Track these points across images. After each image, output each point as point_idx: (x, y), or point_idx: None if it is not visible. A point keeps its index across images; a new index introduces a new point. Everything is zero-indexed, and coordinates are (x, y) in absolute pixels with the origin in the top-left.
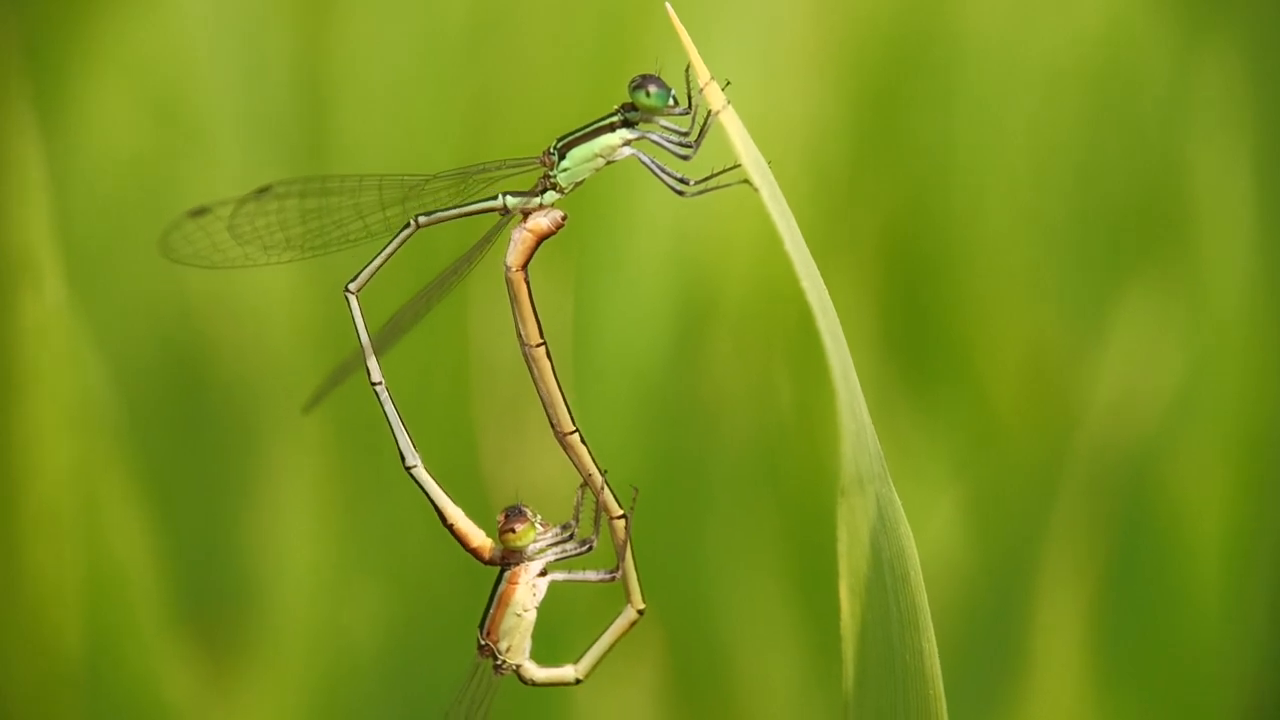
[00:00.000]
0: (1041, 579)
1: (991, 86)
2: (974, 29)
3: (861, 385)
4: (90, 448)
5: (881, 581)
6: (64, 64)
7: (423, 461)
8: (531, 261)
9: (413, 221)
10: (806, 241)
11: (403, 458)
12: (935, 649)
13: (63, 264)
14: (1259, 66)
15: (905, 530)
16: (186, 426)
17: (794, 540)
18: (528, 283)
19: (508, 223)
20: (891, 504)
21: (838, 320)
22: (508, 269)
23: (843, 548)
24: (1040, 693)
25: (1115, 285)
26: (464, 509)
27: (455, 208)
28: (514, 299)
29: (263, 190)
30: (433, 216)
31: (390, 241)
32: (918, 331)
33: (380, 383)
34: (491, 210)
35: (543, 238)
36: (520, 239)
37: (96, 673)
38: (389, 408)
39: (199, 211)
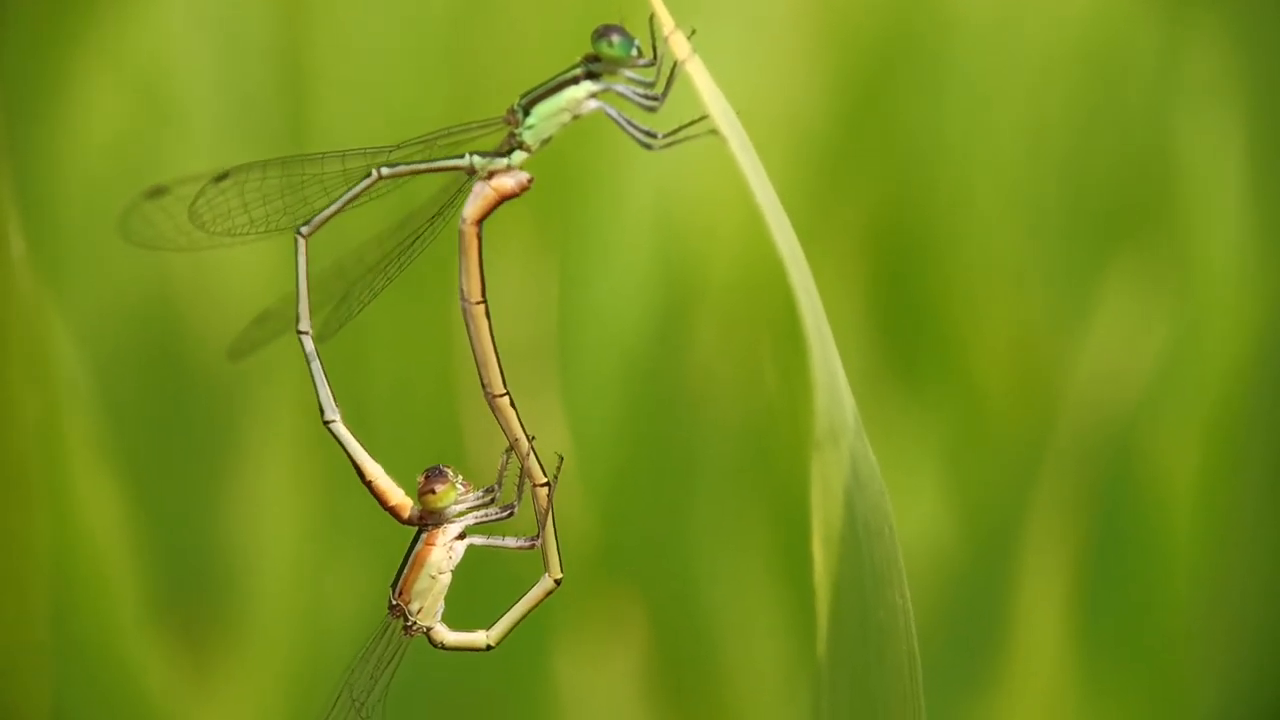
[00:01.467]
0: (1025, 560)
1: (980, 72)
2: (962, 14)
3: (847, 370)
4: (60, 426)
5: (855, 536)
6: (40, 48)
7: (342, 417)
8: (501, 247)
9: (375, 171)
10: (794, 228)
11: (322, 411)
12: (910, 604)
13: (30, 244)
14: (1247, 51)
15: (879, 486)
16: (163, 411)
17: (779, 522)
18: (480, 238)
19: (472, 182)
20: (866, 459)
21: (810, 275)
22: (462, 220)
23: (816, 501)
24: (1023, 671)
25: (1102, 270)
26: (447, 468)
27: (420, 163)
28: (463, 252)
29: (221, 176)
30: (395, 169)
31: (350, 189)
32: (905, 317)
33: (306, 331)
34: (458, 169)
35: (505, 197)
36: (480, 193)
37: (70, 660)
38: (312, 358)
39: (156, 192)
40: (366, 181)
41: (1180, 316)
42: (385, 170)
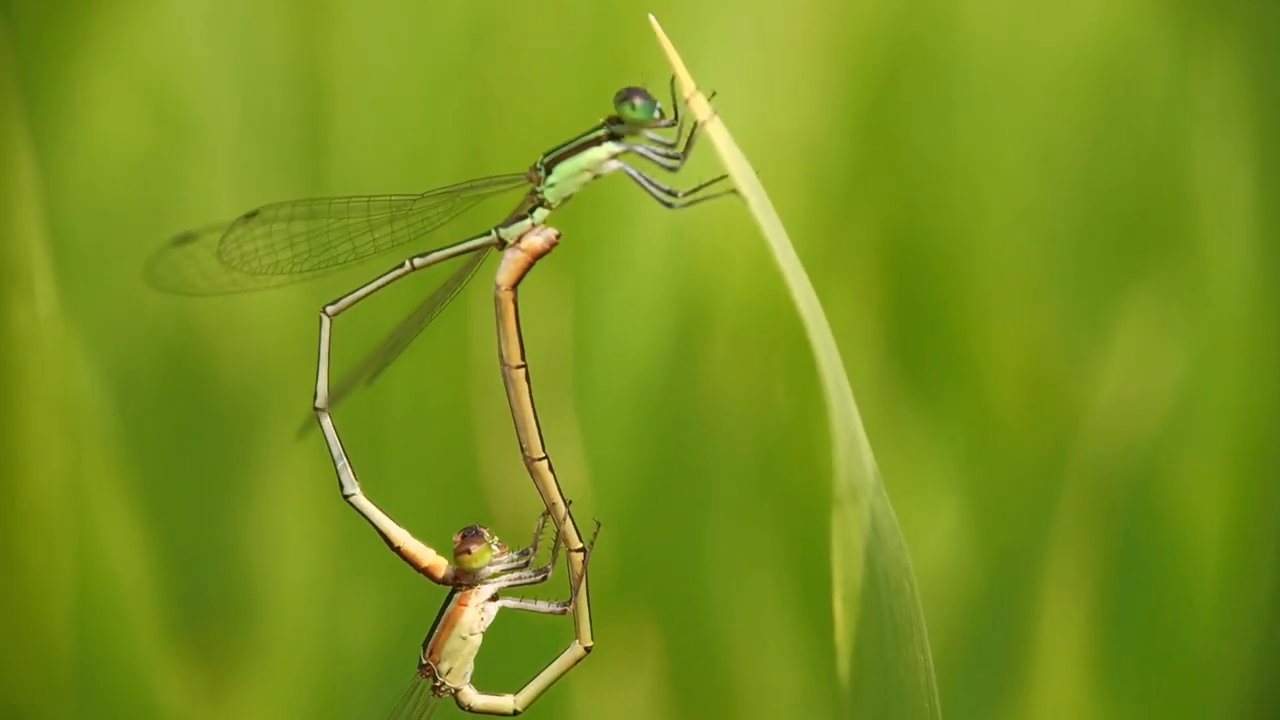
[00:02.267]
0: (1044, 583)
1: (992, 89)
2: (974, 31)
3: (864, 391)
4: (83, 455)
5: (876, 592)
6: (59, 66)
7: (361, 489)
8: (524, 281)
9: (407, 263)
10: (806, 247)
11: (341, 486)
12: (930, 661)
13: (54, 271)
14: (1260, 67)
15: (899, 541)
16: (181, 433)
17: (792, 545)
18: (515, 303)
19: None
20: (886, 515)
21: (830, 332)
22: (497, 288)
23: (837, 558)
24: (1042, 697)
25: (1117, 289)
26: (460, 521)
27: (449, 247)
28: (500, 317)
29: (249, 215)
30: (427, 258)
31: (381, 276)
32: (920, 336)
33: (324, 409)
34: (487, 246)
35: (537, 257)
36: (513, 258)
37: (89, 680)
38: (330, 435)
39: (184, 239)
40: (398, 272)
41: (1200, 337)
42: (418, 261)
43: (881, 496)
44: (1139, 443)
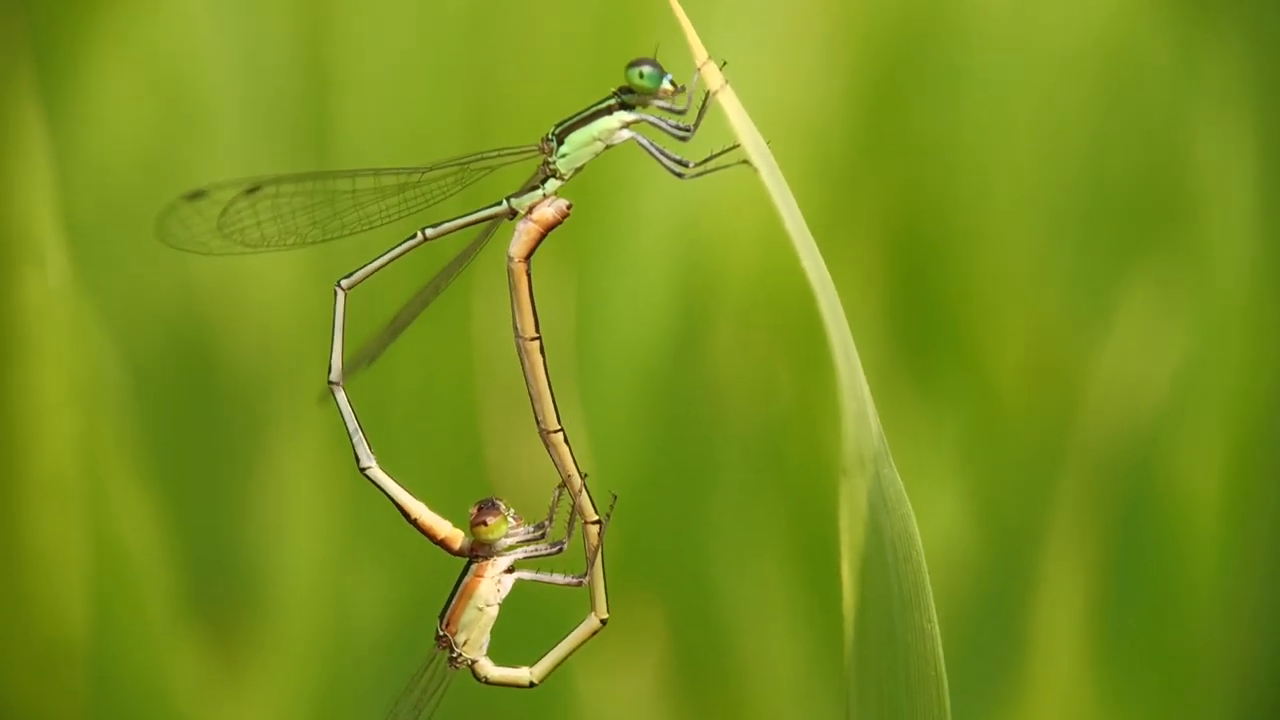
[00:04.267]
0: (1044, 564)
1: (998, 72)
2: (981, 14)
3: (867, 372)
4: (96, 429)
5: (883, 560)
6: (69, 48)
7: (378, 462)
8: (534, 254)
9: (420, 233)
10: (812, 228)
11: (357, 459)
12: (937, 628)
13: (65, 242)
14: (1260, 53)
15: (907, 509)
16: (193, 410)
17: (798, 527)
18: (529, 274)
19: (512, 218)
20: (893, 483)
21: (838, 299)
22: (510, 259)
23: (844, 526)
24: (1042, 675)
25: (1121, 273)
26: (466, 498)
27: (460, 217)
28: (514, 289)
29: (253, 189)
30: (439, 228)
31: (394, 248)
32: (924, 319)
33: (338, 383)
34: (498, 216)
35: (549, 228)
36: (525, 230)
37: (101, 658)
38: (345, 409)
39: (195, 195)
40: (411, 243)
41: (1201, 320)
42: (430, 231)
43: (889, 465)
44: (1140, 424)
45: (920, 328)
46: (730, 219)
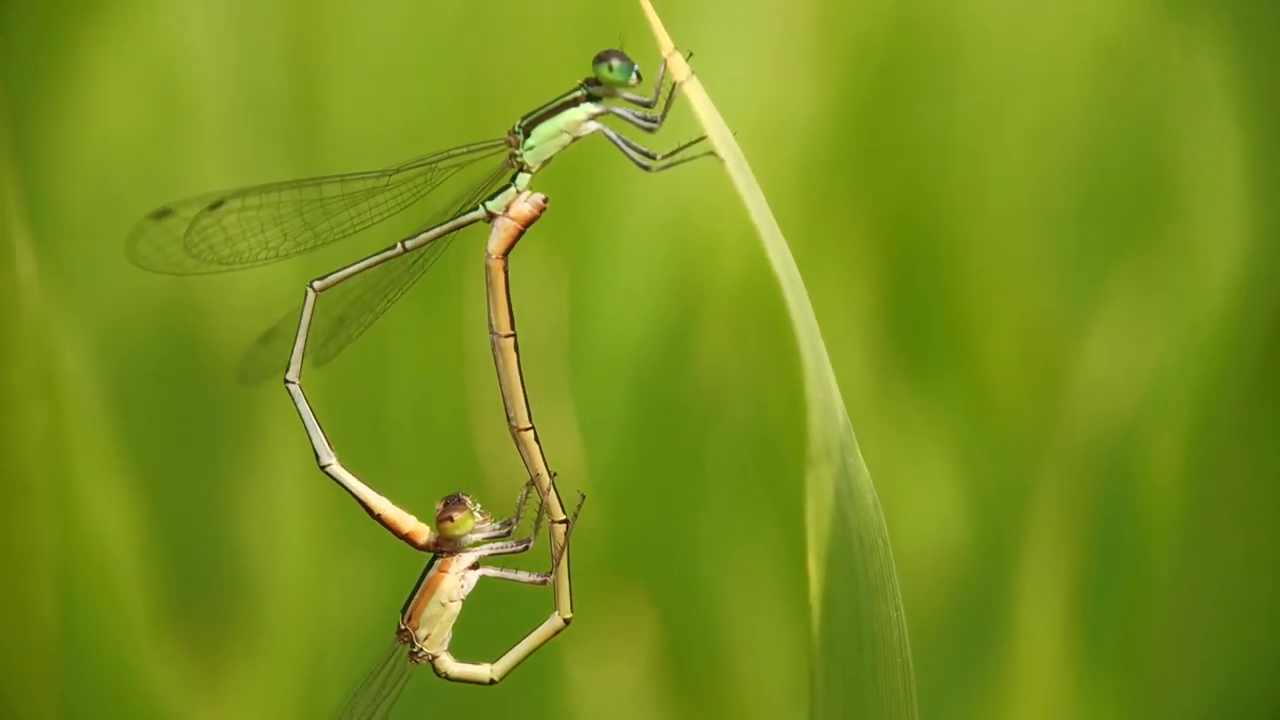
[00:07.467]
0: (1028, 556)
1: (991, 72)
2: (974, 14)
3: (859, 368)
4: (69, 424)
5: (849, 550)
6: (57, 47)
7: (338, 459)
8: (514, 250)
9: (400, 245)
10: (802, 225)
11: (317, 457)
12: (904, 616)
13: (40, 238)
14: (1249, 55)
15: (873, 499)
16: (173, 415)
17: (785, 519)
18: (506, 271)
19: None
20: (860, 473)
21: (805, 291)
22: (488, 256)
23: (811, 516)
24: (1023, 667)
25: (1109, 270)
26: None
27: (438, 226)
28: (490, 286)
29: (216, 204)
30: (418, 238)
31: (371, 256)
32: (916, 314)
33: (294, 381)
34: (475, 220)
35: (527, 224)
36: (503, 226)
37: (75, 657)
38: (302, 407)
39: (162, 214)
40: (390, 253)
41: (1182, 317)
42: (409, 242)
43: (855, 455)
44: (1121, 419)
45: (913, 325)
46: (722, 215)
